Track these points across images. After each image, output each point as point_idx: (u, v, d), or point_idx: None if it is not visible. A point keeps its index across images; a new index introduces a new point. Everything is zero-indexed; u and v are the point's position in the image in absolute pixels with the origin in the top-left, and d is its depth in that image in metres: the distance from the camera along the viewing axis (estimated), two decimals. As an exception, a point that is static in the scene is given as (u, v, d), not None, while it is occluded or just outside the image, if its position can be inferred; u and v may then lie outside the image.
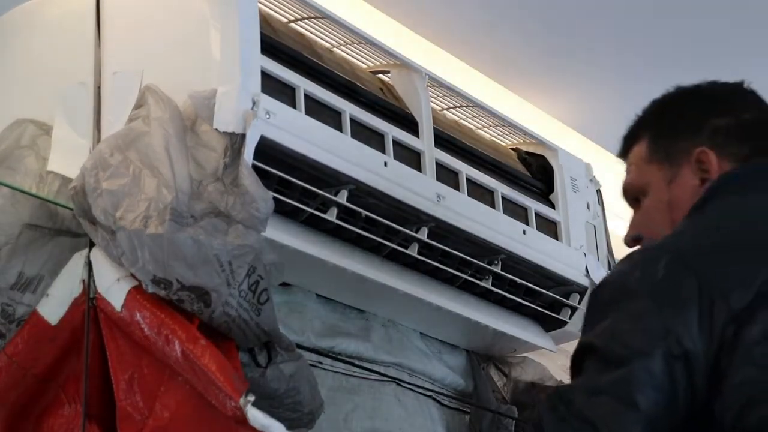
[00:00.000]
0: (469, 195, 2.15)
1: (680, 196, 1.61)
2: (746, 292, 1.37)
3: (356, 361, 2.08)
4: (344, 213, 1.90)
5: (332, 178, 1.87)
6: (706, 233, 1.48)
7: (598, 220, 2.46)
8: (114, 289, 1.62)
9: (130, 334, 1.60)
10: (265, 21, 1.90)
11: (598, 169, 2.51)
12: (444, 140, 2.17)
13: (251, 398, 1.49)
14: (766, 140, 1.60)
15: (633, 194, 1.69)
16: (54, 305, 1.67)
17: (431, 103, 2.18)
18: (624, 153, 1.71)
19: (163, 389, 1.59)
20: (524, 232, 2.25)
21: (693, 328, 1.36)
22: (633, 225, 1.69)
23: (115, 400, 1.61)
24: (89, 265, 1.66)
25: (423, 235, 2.03)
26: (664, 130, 1.65)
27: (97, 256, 1.65)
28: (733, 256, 1.42)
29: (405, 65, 2.16)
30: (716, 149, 1.59)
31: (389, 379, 2.14)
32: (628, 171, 1.70)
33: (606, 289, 1.47)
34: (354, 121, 1.94)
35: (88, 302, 1.65)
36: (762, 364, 1.34)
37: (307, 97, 1.86)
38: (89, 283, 1.65)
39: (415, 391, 2.19)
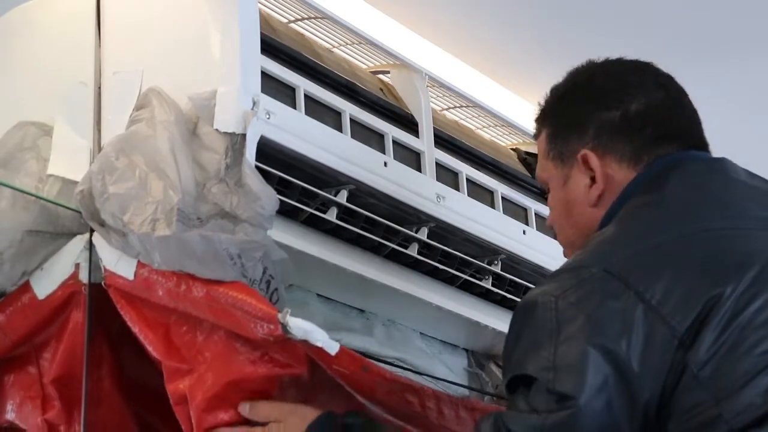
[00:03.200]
0: (469, 195, 2.15)
1: (575, 198, 1.58)
2: (689, 312, 1.32)
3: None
4: (344, 213, 1.90)
5: (332, 178, 1.87)
6: (638, 246, 1.41)
7: (598, 220, 2.46)
8: (123, 260, 1.63)
9: (148, 298, 1.62)
10: (265, 21, 1.90)
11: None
12: (444, 140, 2.18)
13: (288, 310, 1.50)
14: (653, 132, 1.55)
15: (542, 185, 1.68)
16: (45, 281, 1.70)
17: (431, 103, 2.18)
18: (535, 138, 1.69)
19: (199, 334, 1.60)
20: (524, 232, 2.25)
21: (636, 352, 1.31)
22: (550, 213, 1.68)
23: (160, 360, 1.62)
24: (90, 249, 1.68)
25: (423, 235, 2.03)
26: (557, 128, 1.61)
27: (100, 237, 1.66)
28: (671, 273, 1.36)
29: (405, 65, 2.16)
30: (601, 149, 1.55)
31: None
32: (537, 159, 1.68)
33: (538, 311, 1.37)
34: (354, 121, 1.94)
35: (88, 286, 1.67)
36: (711, 387, 1.30)
37: (307, 97, 1.86)
38: (89, 267, 1.67)
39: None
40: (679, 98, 1.60)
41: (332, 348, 1.50)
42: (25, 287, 1.72)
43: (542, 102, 1.67)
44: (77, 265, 1.69)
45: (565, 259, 1.62)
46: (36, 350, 1.73)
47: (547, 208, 2.34)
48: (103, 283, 1.66)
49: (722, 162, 1.55)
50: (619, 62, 1.63)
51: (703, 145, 1.59)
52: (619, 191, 1.53)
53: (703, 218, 1.44)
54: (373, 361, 1.66)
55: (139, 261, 1.62)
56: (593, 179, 1.56)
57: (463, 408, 1.69)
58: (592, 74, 1.62)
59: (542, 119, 1.66)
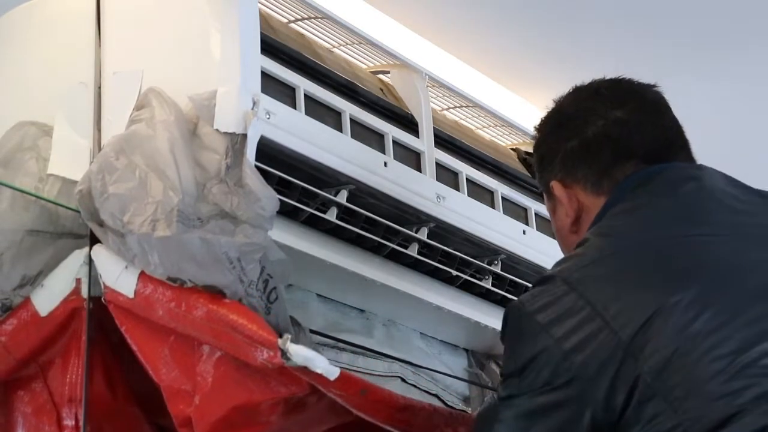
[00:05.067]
0: (469, 195, 2.15)
1: (560, 226, 1.63)
2: (634, 319, 1.33)
3: (360, 357, 2.08)
4: (344, 213, 1.90)
5: (332, 178, 1.87)
6: (595, 256, 1.44)
7: (598, 220, 2.46)
8: (123, 277, 1.62)
9: (148, 317, 1.61)
10: (265, 21, 1.90)
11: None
12: (444, 140, 2.18)
13: (288, 336, 1.50)
14: (610, 153, 1.56)
15: None
16: (46, 297, 1.69)
17: (431, 103, 2.18)
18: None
19: (197, 356, 1.60)
20: (524, 232, 2.25)
21: (582, 356, 1.33)
22: None
23: (157, 383, 1.62)
24: (89, 264, 1.67)
25: (423, 235, 2.03)
26: (537, 162, 1.67)
27: (100, 251, 1.66)
28: (620, 280, 1.38)
29: (405, 65, 2.16)
30: (567, 178, 1.59)
31: (394, 375, 2.14)
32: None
33: (509, 319, 1.44)
34: (354, 121, 1.94)
35: (88, 301, 1.66)
36: (667, 396, 1.30)
37: (307, 97, 1.86)
38: (89, 283, 1.66)
39: (419, 389, 2.19)
40: (643, 112, 1.60)
41: (332, 374, 1.50)
42: (27, 304, 1.70)
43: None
44: (78, 280, 1.68)
45: None
46: (42, 370, 1.71)
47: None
48: (102, 299, 1.66)
49: (697, 169, 1.55)
50: (585, 87, 1.65)
51: (675, 153, 1.58)
52: (593, 216, 1.56)
53: (662, 225, 1.46)
54: (373, 383, 1.65)
55: (139, 278, 1.61)
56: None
57: (462, 424, 1.70)
58: (560, 105, 1.66)
59: (535, 147, 1.70)
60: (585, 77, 1.68)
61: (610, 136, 1.57)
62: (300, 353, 1.49)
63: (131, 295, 1.61)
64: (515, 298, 2.22)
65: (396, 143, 2.02)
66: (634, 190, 1.52)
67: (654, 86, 1.63)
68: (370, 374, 2.10)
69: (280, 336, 1.50)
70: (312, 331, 1.93)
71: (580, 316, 1.36)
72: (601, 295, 1.36)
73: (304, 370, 1.50)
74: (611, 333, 1.33)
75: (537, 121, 1.68)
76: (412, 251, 2.02)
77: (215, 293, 1.57)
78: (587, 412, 1.33)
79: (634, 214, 1.49)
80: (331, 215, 1.87)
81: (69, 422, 1.68)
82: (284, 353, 1.48)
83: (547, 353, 1.35)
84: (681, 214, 1.47)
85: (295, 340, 1.50)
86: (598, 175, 1.57)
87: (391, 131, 2.02)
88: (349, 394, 1.55)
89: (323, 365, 1.49)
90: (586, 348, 1.33)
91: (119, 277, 1.63)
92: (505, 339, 1.44)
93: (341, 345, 2.04)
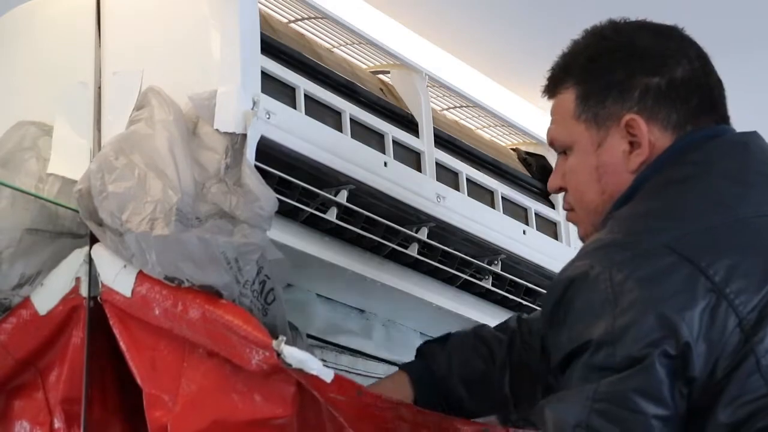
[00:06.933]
0: (469, 195, 2.15)
1: (609, 163, 1.51)
2: (753, 296, 1.30)
3: (360, 359, 2.08)
4: (344, 213, 1.90)
5: (332, 178, 1.87)
6: (693, 224, 1.37)
7: (598, 220, 2.45)
8: (121, 276, 1.62)
9: (143, 318, 1.61)
10: (265, 21, 1.90)
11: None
12: (444, 140, 2.18)
13: (283, 338, 1.49)
14: (697, 102, 1.50)
15: (560, 148, 1.59)
16: (46, 296, 1.69)
17: (431, 103, 2.18)
18: (550, 95, 1.59)
19: (185, 365, 1.59)
20: (524, 232, 2.25)
21: (694, 327, 1.28)
22: (559, 175, 1.58)
23: (141, 388, 1.61)
24: (89, 263, 1.67)
25: (423, 235, 2.03)
26: (593, 87, 1.53)
27: (99, 251, 1.66)
28: (732, 254, 1.33)
29: (405, 65, 2.16)
30: (646, 114, 1.49)
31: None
32: (554, 120, 1.58)
33: (590, 284, 1.34)
34: (354, 121, 1.94)
35: (88, 300, 1.66)
36: None
37: (307, 97, 1.86)
38: (89, 281, 1.66)
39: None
40: (713, 70, 1.55)
41: (327, 376, 1.49)
42: (26, 304, 1.69)
43: (564, 58, 1.59)
44: (78, 279, 1.68)
45: (575, 227, 1.59)
46: (41, 374, 1.70)
47: (547, 206, 2.36)
48: (99, 298, 1.65)
49: (755, 137, 1.51)
50: (654, 25, 1.56)
51: (725, 111, 1.55)
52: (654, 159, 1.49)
53: (755, 202, 1.41)
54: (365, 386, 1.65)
55: (137, 278, 1.60)
56: (632, 144, 1.50)
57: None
58: (631, 35, 1.55)
59: (566, 77, 1.57)
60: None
61: (696, 85, 1.51)
62: (294, 355, 1.48)
63: (128, 294, 1.61)
64: (515, 298, 2.23)
65: (396, 143, 2.02)
66: (705, 148, 1.46)
67: None
68: (370, 377, 2.10)
69: (276, 337, 1.49)
70: (310, 336, 1.93)
71: (688, 281, 1.32)
72: (713, 263, 1.32)
73: (300, 373, 1.49)
74: (727, 303, 1.31)
75: (587, 46, 1.56)
76: (412, 251, 2.02)
77: (212, 294, 1.57)
78: (689, 379, 1.29)
79: (715, 179, 1.44)
80: (331, 215, 1.87)
81: (59, 424, 1.67)
82: (279, 355, 1.48)
83: (657, 318, 1.30)
84: (763, 188, 1.44)
85: (291, 343, 1.50)
86: (682, 120, 1.49)
87: (391, 131, 2.02)
88: (346, 397, 1.54)
89: (317, 367, 1.48)
90: (697, 315, 1.30)
91: (117, 276, 1.63)
92: (584, 305, 1.35)
93: (341, 347, 2.04)
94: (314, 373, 1.48)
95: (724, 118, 1.54)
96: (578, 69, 1.56)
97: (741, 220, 1.39)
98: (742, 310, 1.30)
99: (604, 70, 1.54)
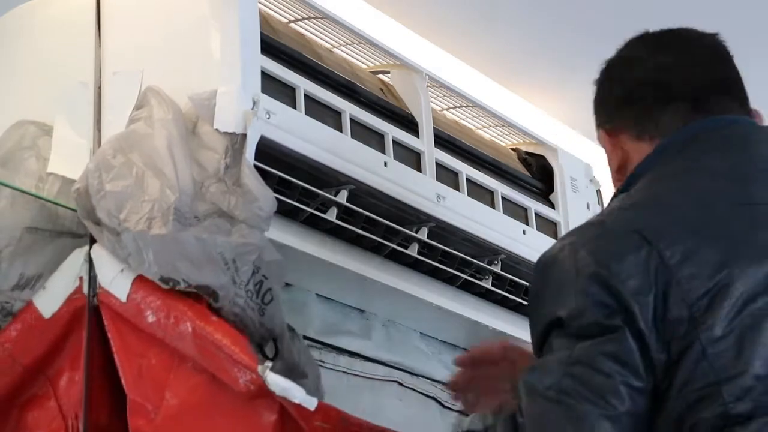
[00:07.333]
0: (469, 195, 2.15)
1: (611, 176, 1.60)
2: (707, 281, 1.31)
3: (358, 360, 2.08)
4: (344, 213, 1.90)
5: (332, 178, 1.87)
6: (663, 211, 1.40)
7: (598, 220, 2.45)
8: (118, 280, 1.62)
9: (136, 324, 1.61)
10: (265, 21, 1.90)
11: (598, 169, 2.51)
12: (444, 140, 2.18)
13: (269, 364, 1.49)
14: (653, 97, 1.52)
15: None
16: (49, 299, 1.68)
17: (431, 103, 2.18)
18: None
19: (172, 377, 1.59)
20: (524, 232, 2.25)
21: (649, 308, 1.31)
22: None
23: (126, 393, 1.61)
24: (90, 262, 1.66)
25: (423, 235, 2.03)
26: (594, 114, 1.62)
27: (99, 252, 1.66)
28: (692, 239, 1.34)
29: (405, 65, 2.16)
30: (611, 124, 1.56)
31: (392, 380, 2.14)
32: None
33: (558, 262, 1.38)
34: (354, 121, 1.94)
35: (89, 300, 1.66)
36: (716, 366, 1.28)
37: (307, 97, 1.86)
38: (90, 281, 1.66)
39: (417, 391, 2.19)
40: (693, 56, 1.55)
41: (311, 404, 1.49)
42: (29, 308, 1.68)
43: None
44: (81, 279, 1.67)
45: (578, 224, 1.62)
46: (51, 381, 1.68)
47: (547, 206, 2.37)
48: (95, 299, 1.65)
49: (740, 127, 1.51)
50: (635, 37, 1.60)
51: (727, 104, 1.53)
52: (635, 163, 1.52)
53: (732, 194, 1.41)
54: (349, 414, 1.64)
55: (133, 283, 1.60)
56: (612, 153, 1.57)
57: None
58: (611, 58, 1.61)
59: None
60: (585, 77, 1.67)
61: (651, 80, 1.53)
62: (278, 383, 1.48)
63: (124, 299, 1.61)
64: (515, 298, 2.23)
65: (396, 143, 2.02)
66: (689, 145, 1.48)
67: (715, 35, 1.58)
68: (368, 378, 2.10)
69: (261, 363, 1.49)
70: (308, 338, 1.93)
71: (645, 261, 1.34)
72: (671, 246, 1.33)
73: (284, 400, 1.49)
74: (678, 286, 1.32)
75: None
76: (412, 251, 2.02)
77: (204, 307, 1.56)
78: (650, 357, 1.31)
79: (694, 171, 1.45)
80: (331, 215, 1.87)
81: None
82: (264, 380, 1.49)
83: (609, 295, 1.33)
84: (744, 178, 1.43)
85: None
86: (640, 119, 1.53)
87: (391, 131, 2.02)
88: (330, 425, 1.54)
89: (300, 395, 1.48)
90: (650, 295, 1.32)
91: (114, 280, 1.63)
92: (554, 281, 1.39)
93: (339, 349, 2.04)
94: (297, 401, 1.48)
95: (706, 105, 1.52)
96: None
97: (712, 210, 1.40)
98: (692, 295, 1.31)
99: (594, 95, 1.62)
